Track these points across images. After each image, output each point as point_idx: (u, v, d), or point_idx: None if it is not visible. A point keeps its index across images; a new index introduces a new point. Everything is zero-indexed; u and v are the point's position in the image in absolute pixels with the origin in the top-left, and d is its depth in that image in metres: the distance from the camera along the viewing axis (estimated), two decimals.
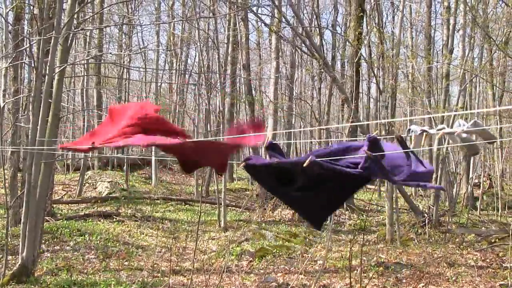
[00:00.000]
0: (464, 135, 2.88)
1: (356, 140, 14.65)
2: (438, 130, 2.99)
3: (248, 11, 16.67)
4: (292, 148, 25.40)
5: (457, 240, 11.45)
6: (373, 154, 2.91)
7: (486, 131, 2.94)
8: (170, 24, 24.89)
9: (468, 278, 8.43)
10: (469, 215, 13.92)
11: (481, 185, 17.51)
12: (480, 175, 18.78)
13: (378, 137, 3.03)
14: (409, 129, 3.12)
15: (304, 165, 2.88)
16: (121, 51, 21.08)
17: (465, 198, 16.01)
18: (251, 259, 9.70)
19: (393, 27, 23.34)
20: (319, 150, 3.30)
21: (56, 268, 8.43)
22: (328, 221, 9.40)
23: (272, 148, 3.46)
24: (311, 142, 26.97)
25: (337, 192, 3.29)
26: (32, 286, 7.21)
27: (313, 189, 3.25)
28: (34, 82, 8.29)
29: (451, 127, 2.92)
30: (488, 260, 9.83)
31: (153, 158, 19.95)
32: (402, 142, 3.04)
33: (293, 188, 3.28)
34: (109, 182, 18.56)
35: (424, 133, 3.00)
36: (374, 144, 2.99)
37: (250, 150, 22.06)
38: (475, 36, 15.65)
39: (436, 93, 15.16)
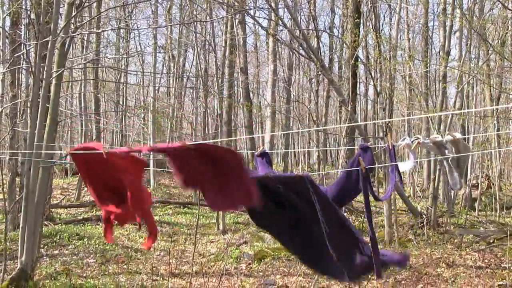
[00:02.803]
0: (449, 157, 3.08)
1: (354, 141, 14.67)
2: (434, 137, 3.12)
3: (246, 14, 16.69)
4: (290, 151, 25.39)
5: (455, 241, 11.46)
6: (366, 167, 3.03)
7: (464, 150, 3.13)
8: (168, 28, 24.92)
9: (466, 279, 8.44)
10: (468, 215, 13.92)
11: (479, 185, 17.51)
12: (478, 175, 18.77)
13: (369, 145, 3.19)
14: (404, 138, 3.27)
15: (295, 173, 2.96)
16: (119, 55, 21.09)
17: (463, 198, 16.02)
18: (250, 261, 9.71)
19: (390, 29, 23.42)
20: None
21: (55, 272, 8.43)
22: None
23: (263, 156, 3.53)
24: (309, 144, 27.01)
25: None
26: None
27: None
28: (32, 87, 8.29)
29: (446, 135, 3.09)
30: (486, 261, 9.83)
31: (151, 161, 19.89)
32: (391, 152, 3.15)
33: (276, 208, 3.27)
34: None
35: (416, 141, 3.15)
36: (366, 151, 3.14)
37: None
38: (472, 38, 15.69)
39: (434, 95, 15.20)
